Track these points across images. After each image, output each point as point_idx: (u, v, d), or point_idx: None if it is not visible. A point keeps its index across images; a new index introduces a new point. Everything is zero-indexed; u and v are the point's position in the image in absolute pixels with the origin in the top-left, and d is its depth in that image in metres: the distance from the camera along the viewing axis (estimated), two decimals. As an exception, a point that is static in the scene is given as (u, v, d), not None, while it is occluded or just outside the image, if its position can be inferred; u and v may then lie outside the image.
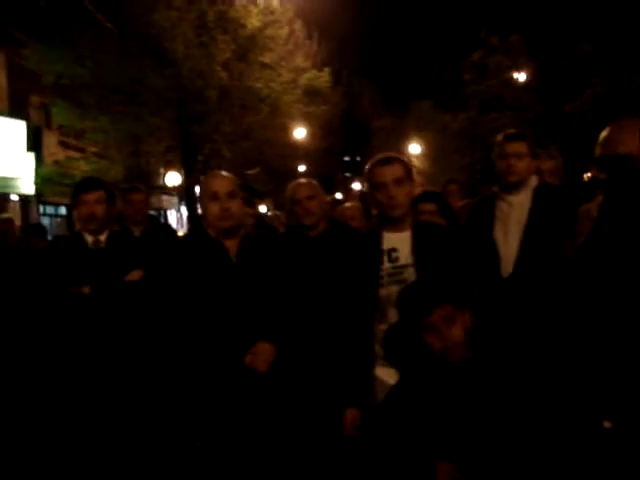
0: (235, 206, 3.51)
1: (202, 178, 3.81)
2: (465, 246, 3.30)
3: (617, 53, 15.10)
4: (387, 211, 3.25)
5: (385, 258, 3.24)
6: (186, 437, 3.70)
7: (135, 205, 5.78)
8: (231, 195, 3.51)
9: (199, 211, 3.89)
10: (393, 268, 3.21)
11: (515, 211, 3.98)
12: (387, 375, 3.14)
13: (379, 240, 3.27)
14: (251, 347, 3.40)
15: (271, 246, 3.77)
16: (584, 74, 17.56)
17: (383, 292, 3.20)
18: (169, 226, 8.67)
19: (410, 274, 3.16)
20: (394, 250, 3.24)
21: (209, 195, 3.51)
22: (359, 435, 3.10)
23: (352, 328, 3.23)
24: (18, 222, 14.45)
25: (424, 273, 3.09)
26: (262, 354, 3.38)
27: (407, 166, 3.32)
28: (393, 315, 3.14)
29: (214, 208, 3.47)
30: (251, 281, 3.48)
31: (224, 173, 3.73)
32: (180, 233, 10.25)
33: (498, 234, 3.98)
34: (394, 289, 3.14)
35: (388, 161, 3.30)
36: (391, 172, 3.24)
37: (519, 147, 4.03)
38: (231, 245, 3.54)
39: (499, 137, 4.18)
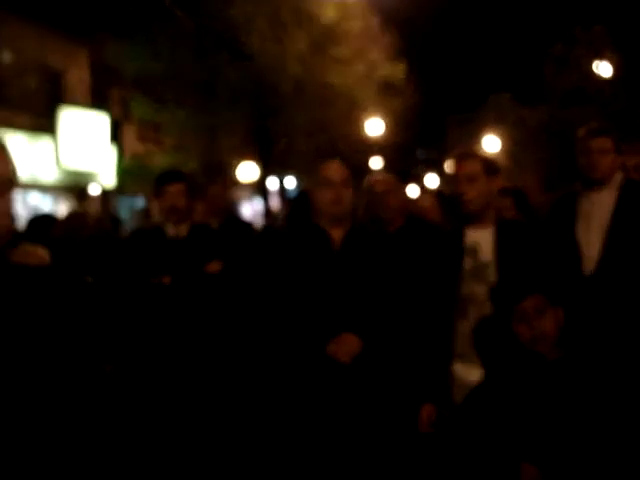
0: (348, 194, 3.47)
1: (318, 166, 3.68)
2: (547, 244, 3.23)
3: None
4: (461, 207, 3.25)
5: (467, 255, 3.22)
6: (266, 423, 3.72)
7: (213, 198, 5.87)
8: (345, 183, 3.48)
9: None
10: (474, 265, 3.19)
11: (598, 209, 3.86)
12: (465, 372, 3.11)
13: (461, 237, 3.26)
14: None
15: (380, 240, 3.64)
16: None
17: (464, 289, 3.18)
18: (244, 221, 8.78)
19: (491, 271, 3.12)
20: (476, 247, 3.21)
21: (322, 181, 3.48)
22: (434, 432, 3.08)
23: (432, 324, 3.22)
24: (98, 214, 14.89)
25: (505, 270, 3.05)
26: (346, 344, 3.26)
27: (486, 162, 3.28)
28: (473, 312, 3.12)
29: (327, 194, 3.43)
30: (350, 272, 3.40)
31: (337, 161, 3.67)
32: (256, 226, 10.34)
33: (580, 233, 3.87)
34: (475, 286, 3.13)
35: (463, 157, 3.32)
36: (464, 168, 3.25)
37: (603, 143, 3.89)
38: (336, 235, 3.48)
39: (581, 132, 4.04)
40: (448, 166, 3.37)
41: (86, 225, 6.89)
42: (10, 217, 1.53)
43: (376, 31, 21.93)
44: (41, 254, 3.66)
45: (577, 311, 2.94)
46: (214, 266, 4.46)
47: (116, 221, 7.51)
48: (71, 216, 7.04)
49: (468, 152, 3.41)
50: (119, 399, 4.20)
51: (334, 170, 3.49)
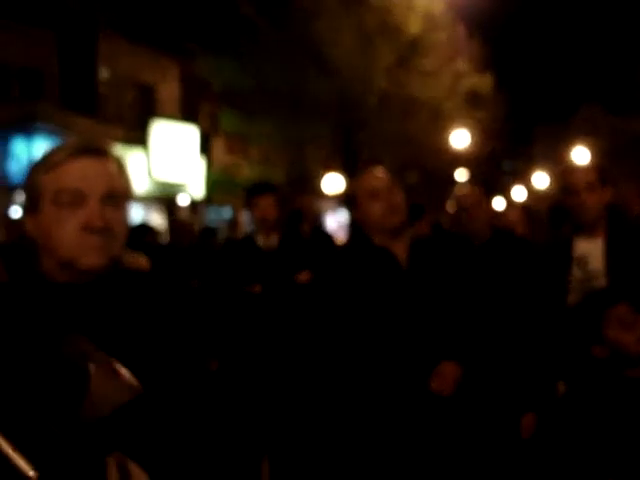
0: (401, 201, 3.10)
1: (356, 179, 3.35)
2: None
3: None
4: (577, 217, 3.24)
5: (576, 266, 3.21)
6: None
7: (304, 209, 5.96)
8: (391, 190, 3.10)
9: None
10: (583, 276, 3.18)
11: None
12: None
13: (570, 247, 3.26)
14: (434, 368, 2.94)
15: (449, 249, 3.29)
16: None
17: (572, 300, 3.15)
18: (326, 232, 8.85)
19: (601, 282, 3.10)
20: (585, 257, 3.21)
21: (367, 194, 3.12)
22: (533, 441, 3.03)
23: (537, 335, 3.20)
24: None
25: (616, 281, 3.03)
26: (448, 376, 2.93)
27: (601, 172, 3.29)
28: None
29: (376, 207, 3.07)
30: (425, 290, 3.04)
31: (380, 167, 3.29)
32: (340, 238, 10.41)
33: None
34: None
35: (581, 167, 3.37)
36: (583, 177, 3.23)
37: None
38: (399, 250, 3.09)
39: None
40: (562, 175, 3.37)
41: (190, 234, 7.09)
42: (127, 228, 1.62)
43: (462, 42, 21.75)
44: (142, 262, 3.80)
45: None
46: (304, 276, 4.54)
47: (211, 231, 7.69)
48: (176, 225, 7.25)
49: (583, 163, 3.43)
50: (224, 394, 4.30)
51: (378, 177, 3.16)
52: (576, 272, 3.20)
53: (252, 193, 4.69)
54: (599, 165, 3.39)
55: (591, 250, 3.20)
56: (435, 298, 3.05)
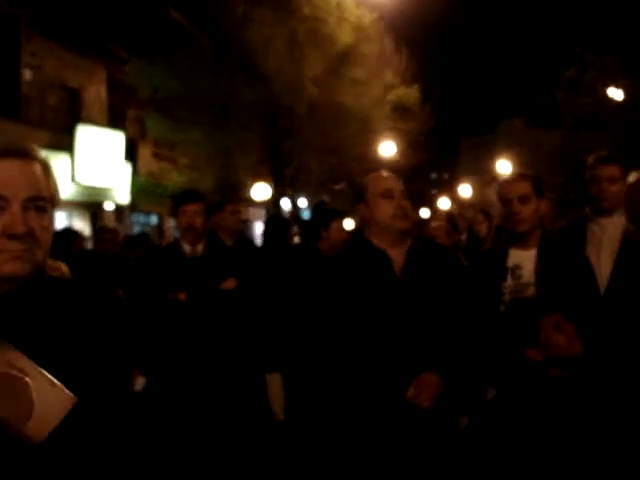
0: (410, 208, 3.17)
1: (368, 178, 3.32)
2: (563, 267, 3.26)
3: None
4: (511, 227, 3.30)
5: (509, 275, 3.26)
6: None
7: (230, 216, 5.93)
8: (404, 194, 3.19)
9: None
10: (515, 285, 3.23)
11: (608, 235, 3.90)
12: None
13: (505, 257, 3.31)
14: (415, 378, 2.94)
15: (445, 259, 3.31)
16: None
17: (504, 309, 3.22)
18: (251, 240, 8.83)
19: (532, 292, 3.16)
20: (518, 267, 3.25)
21: (381, 193, 3.16)
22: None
23: (472, 342, 3.17)
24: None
25: (544, 292, 3.09)
26: (428, 388, 2.91)
27: (536, 183, 3.34)
28: None
29: (388, 207, 3.12)
30: (418, 298, 3.05)
31: (392, 173, 3.37)
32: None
33: (590, 257, 3.91)
34: None
35: (516, 178, 3.38)
36: (517, 189, 3.29)
37: (611, 170, 3.94)
38: (397, 256, 3.13)
39: (590, 159, 4.09)
40: (499, 187, 3.41)
41: (115, 241, 6.94)
42: (51, 234, 1.57)
43: (391, 54, 22.11)
44: (62, 269, 3.75)
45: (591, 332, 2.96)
46: (229, 284, 4.55)
47: (141, 237, 7.54)
48: (101, 232, 7.05)
49: (521, 174, 3.47)
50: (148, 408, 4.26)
51: (394, 179, 3.25)
52: (509, 281, 3.25)
53: (179, 201, 4.68)
54: (534, 176, 3.42)
55: (524, 260, 3.26)
56: (425, 307, 3.06)
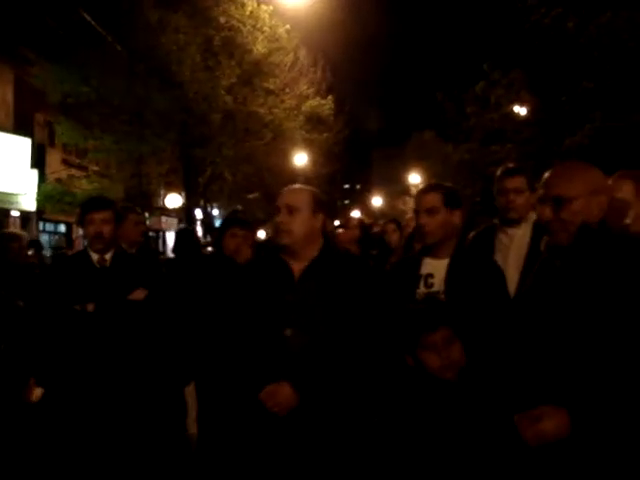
0: (295, 222, 3.15)
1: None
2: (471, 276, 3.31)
3: (616, 91, 15.35)
4: (419, 238, 3.38)
5: (422, 283, 3.31)
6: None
7: (133, 225, 5.78)
8: (290, 209, 3.17)
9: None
10: (427, 293, 3.27)
11: (515, 244, 4.02)
12: None
13: (419, 265, 3.35)
14: (273, 383, 3.02)
15: (350, 267, 3.29)
16: (584, 110, 17.75)
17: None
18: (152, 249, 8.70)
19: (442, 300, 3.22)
20: (431, 276, 3.30)
21: (274, 208, 3.27)
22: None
23: (383, 348, 3.17)
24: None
25: (452, 300, 3.14)
26: (279, 396, 3.00)
27: (447, 194, 3.36)
28: None
29: (275, 222, 3.23)
30: (312, 306, 3.09)
31: (298, 186, 3.41)
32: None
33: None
34: None
35: (425, 190, 3.43)
36: (425, 201, 3.34)
37: (518, 182, 4.05)
38: (298, 266, 3.18)
39: (498, 172, 4.22)
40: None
41: (16, 248, 6.59)
42: None
43: (306, 66, 22.32)
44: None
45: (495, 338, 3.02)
46: (138, 294, 4.45)
47: (37, 245, 7.23)
48: (5, 238, 6.61)
49: (431, 185, 3.50)
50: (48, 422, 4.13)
51: (282, 196, 3.26)
52: (422, 289, 3.31)
53: (87, 208, 4.55)
54: (447, 187, 3.45)
55: (436, 269, 3.31)
56: (319, 314, 3.08)
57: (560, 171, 2.50)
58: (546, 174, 2.52)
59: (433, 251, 3.35)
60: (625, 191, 3.85)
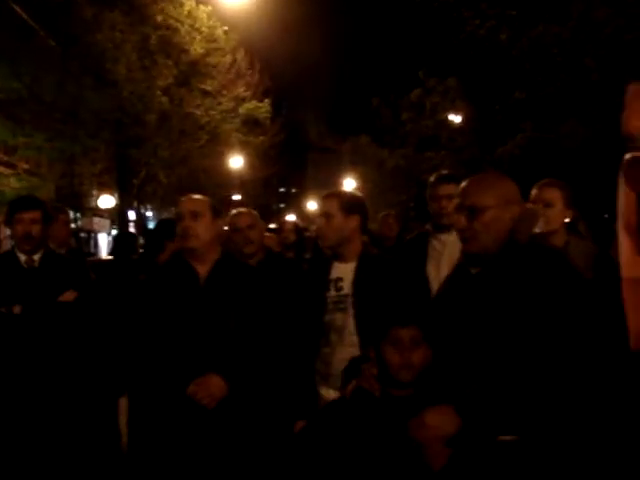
0: (199, 227, 3.37)
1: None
2: (401, 279, 3.41)
3: (546, 103, 15.79)
4: (320, 242, 3.51)
5: (332, 286, 3.42)
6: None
7: (62, 226, 5.66)
8: (194, 215, 3.38)
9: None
10: (337, 296, 3.39)
11: (447, 249, 4.07)
12: (330, 394, 3.22)
13: (328, 269, 3.46)
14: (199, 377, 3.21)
15: (246, 273, 3.59)
16: (516, 120, 18.19)
17: (327, 318, 3.37)
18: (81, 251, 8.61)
19: (350, 303, 3.34)
20: (340, 279, 3.42)
21: (176, 215, 3.51)
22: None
23: (298, 350, 3.38)
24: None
25: (360, 303, 3.28)
26: (209, 388, 3.20)
27: (343, 201, 3.47)
28: (335, 339, 3.34)
29: (178, 228, 3.42)
30: (216, 308, 3.33)
31: (197, 196, 3.59)
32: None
33: (430, 271, 4.08)
34: (337, 316, 3.35)
35: (323, 196, 3.57)
36: (321, 206, 3.53)
37: (450, 189, 4.11)
38: (202, 269, 3.42)
39: (431, 178, 4.31)
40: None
41: None
42: None
43: (244, 68, 22.26)
44: None
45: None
46: (68, 296, 4.36)
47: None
48: None
49: (329, 192, 3.62)
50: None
51: (182, 204, 3.49)
52: (332, 293, 3.42)
53: (15, 208, 4.44)
54: (343, 194, 3.61)
55: (344, 273, 3.43)
56: (222, 316, 3.33)
57: (475, 182, 2.58)
58: (463, 183, 2.59)
59: (339, 255, 3.48)
60: (552, 198, 3.99)
